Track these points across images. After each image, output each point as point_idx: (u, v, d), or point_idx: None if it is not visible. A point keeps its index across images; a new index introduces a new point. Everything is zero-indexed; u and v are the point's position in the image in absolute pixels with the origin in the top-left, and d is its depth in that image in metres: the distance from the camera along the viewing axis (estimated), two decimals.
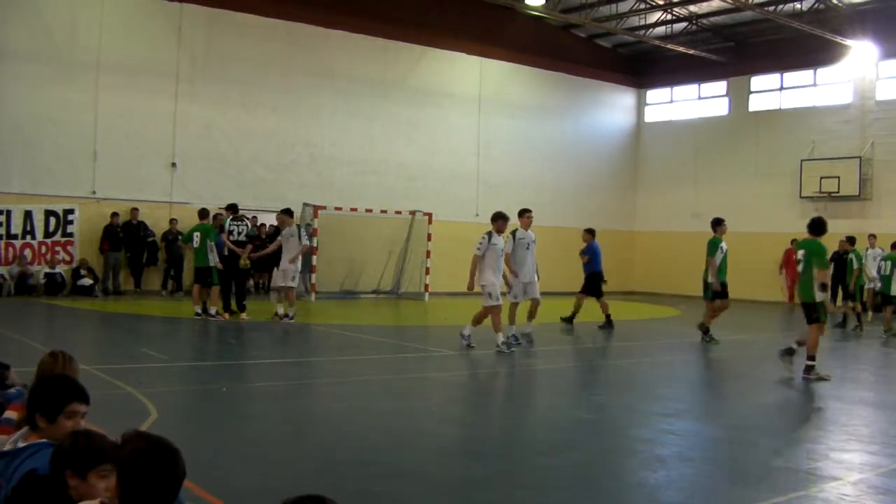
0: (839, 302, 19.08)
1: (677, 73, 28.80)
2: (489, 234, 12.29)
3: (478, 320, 12.29)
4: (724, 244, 13.98)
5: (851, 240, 18.29)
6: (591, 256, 16.66)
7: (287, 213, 15.73)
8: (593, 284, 16.55)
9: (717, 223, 14.19)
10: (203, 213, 16.09)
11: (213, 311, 15.23)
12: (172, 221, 20.54)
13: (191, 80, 21.02)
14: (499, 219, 12.41)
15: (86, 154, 19.62)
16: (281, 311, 15.18)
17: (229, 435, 6.75)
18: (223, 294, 15.68)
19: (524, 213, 13.63)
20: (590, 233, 17.06)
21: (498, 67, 26.50)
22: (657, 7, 25.38)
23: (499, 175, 26.39)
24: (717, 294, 14.11)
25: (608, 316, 16.14)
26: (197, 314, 15.27)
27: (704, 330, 14.18)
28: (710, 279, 13.91)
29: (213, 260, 15.37)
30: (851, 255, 17.79)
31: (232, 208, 16.43)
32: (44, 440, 3.18)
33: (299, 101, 22.71)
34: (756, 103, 27.39)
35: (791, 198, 25.57)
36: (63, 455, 2.89)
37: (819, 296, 10.48)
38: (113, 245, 19.66)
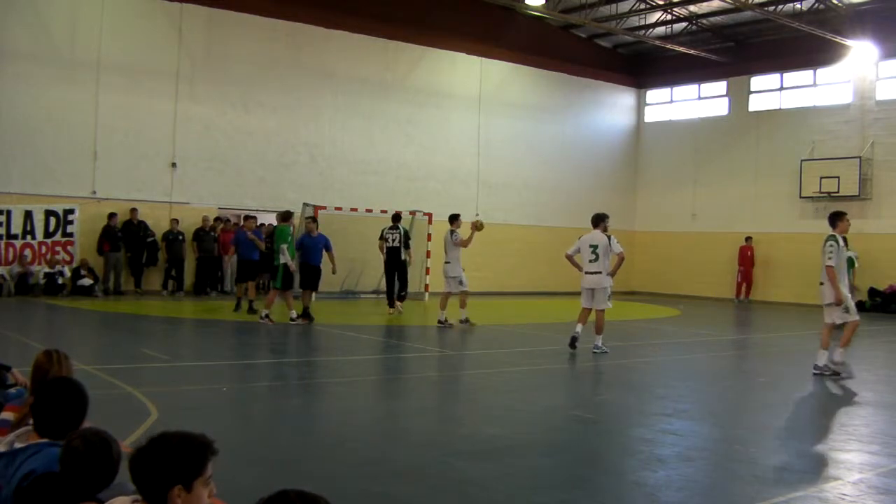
0: None
1: (677, 73, 28.80)
2: (835, 237, 10.23)
3: (847, 340, 10.52)
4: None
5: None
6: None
7: (454, 218, 16.09)
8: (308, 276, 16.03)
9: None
10: (285, 216, 15.58)
11: (263, 313, 14.72)
12: (174, 222, 20.57)
13: (191, 80, 21.03)
14: (841, 218, 10.39)
15: (86, 154, 19.63)
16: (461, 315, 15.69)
17: (229, 435, 6.75)
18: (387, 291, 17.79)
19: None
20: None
21: (498, 67, 26.50)
22: (657, 7, 25.38)
23: (499, 175, 26.40)
24: None
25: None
26: (292, 319, 14.92)
27: None
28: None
29: (285, 259, 15.00)
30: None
31: (395, 218, 17.67)
32: (44, 440, 3.15)
33: (300, 101, 22.71)
34: (756, 103, 27.37)
35: (791, 198, 25.56)
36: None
37: None
38: (113, 245, 19.67)
